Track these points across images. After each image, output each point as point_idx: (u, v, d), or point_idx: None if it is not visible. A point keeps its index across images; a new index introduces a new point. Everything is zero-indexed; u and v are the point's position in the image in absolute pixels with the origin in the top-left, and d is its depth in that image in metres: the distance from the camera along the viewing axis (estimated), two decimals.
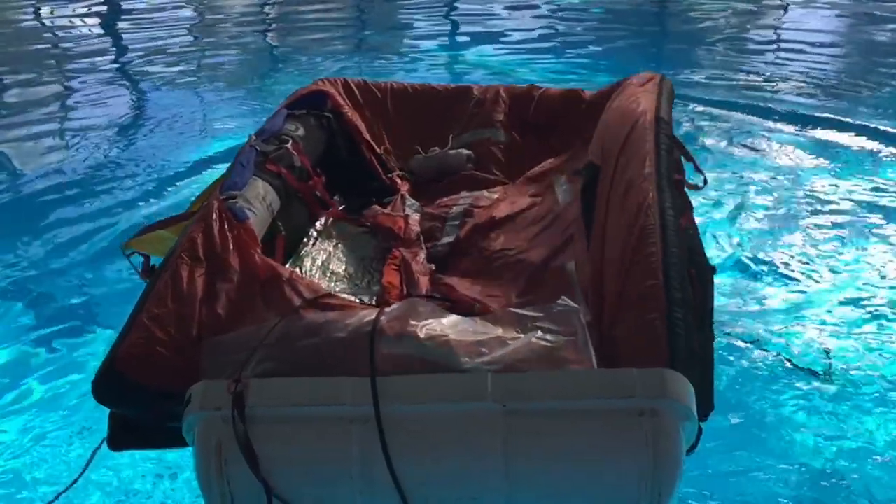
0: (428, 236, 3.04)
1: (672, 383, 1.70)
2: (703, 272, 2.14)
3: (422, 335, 1.86)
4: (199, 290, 2.09)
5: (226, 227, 2.31)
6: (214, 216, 2.33)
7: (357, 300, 2.44)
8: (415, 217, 3.16)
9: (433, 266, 2.85)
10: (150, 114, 6.05)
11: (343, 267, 2.93)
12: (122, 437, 2.04)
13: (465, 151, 3.62)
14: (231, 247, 2.26)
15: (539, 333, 1.88)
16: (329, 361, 1.84)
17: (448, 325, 1.91)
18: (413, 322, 1.89)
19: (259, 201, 2.61)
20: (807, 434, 2.89)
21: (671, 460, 1.67)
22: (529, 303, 2.17)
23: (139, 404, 1.92)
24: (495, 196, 3.32)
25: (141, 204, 4.58)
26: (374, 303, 2.50)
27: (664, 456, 1.67)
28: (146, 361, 1.90)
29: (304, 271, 2.84)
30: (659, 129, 2.60)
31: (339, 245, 3.04)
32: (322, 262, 2.92)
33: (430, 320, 1.91)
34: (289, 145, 2.95)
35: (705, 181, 2.76)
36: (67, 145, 5.43)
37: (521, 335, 1.89)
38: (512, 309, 2.02)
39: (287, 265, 2.81)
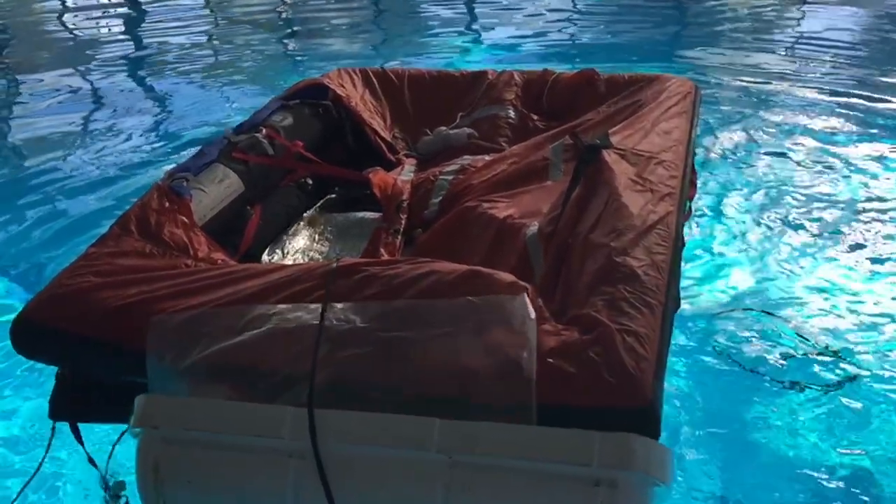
0: (420, 197, 2.97)
1: (640, 451, 1.53)
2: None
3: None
4: (121, 251, 2.12)
5: (165, 202, 2.34)
6: (154, 193, 2.37)
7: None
8: (403, 179, 3.08)
9: (419, 231, 2.79)
10: (166, 107, 6.15)
11: (326, 252, 2.89)
12: (64, 406, 2.07)
13: (466, 130, 3.54)
14: (164, 220, 2.27)
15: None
16: (271, 357, 1.77)
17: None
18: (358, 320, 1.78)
19: (214, 184, 2.60)
20: (814, 437, 2.77)
21: None
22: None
23: (53, 350, 1.96)
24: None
25: None
26: None
27: None
28: (53, 303, 1.95)
29: (284, 254, 2.83)
30: (687, 154, 2.70)
31: (326, 232, 3.00)
32: (303, 247, 2.89)
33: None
34: (260, 134, 2.95)
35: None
36: (81, 137, 5.53)
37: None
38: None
39: (266, 252, 2.82)
